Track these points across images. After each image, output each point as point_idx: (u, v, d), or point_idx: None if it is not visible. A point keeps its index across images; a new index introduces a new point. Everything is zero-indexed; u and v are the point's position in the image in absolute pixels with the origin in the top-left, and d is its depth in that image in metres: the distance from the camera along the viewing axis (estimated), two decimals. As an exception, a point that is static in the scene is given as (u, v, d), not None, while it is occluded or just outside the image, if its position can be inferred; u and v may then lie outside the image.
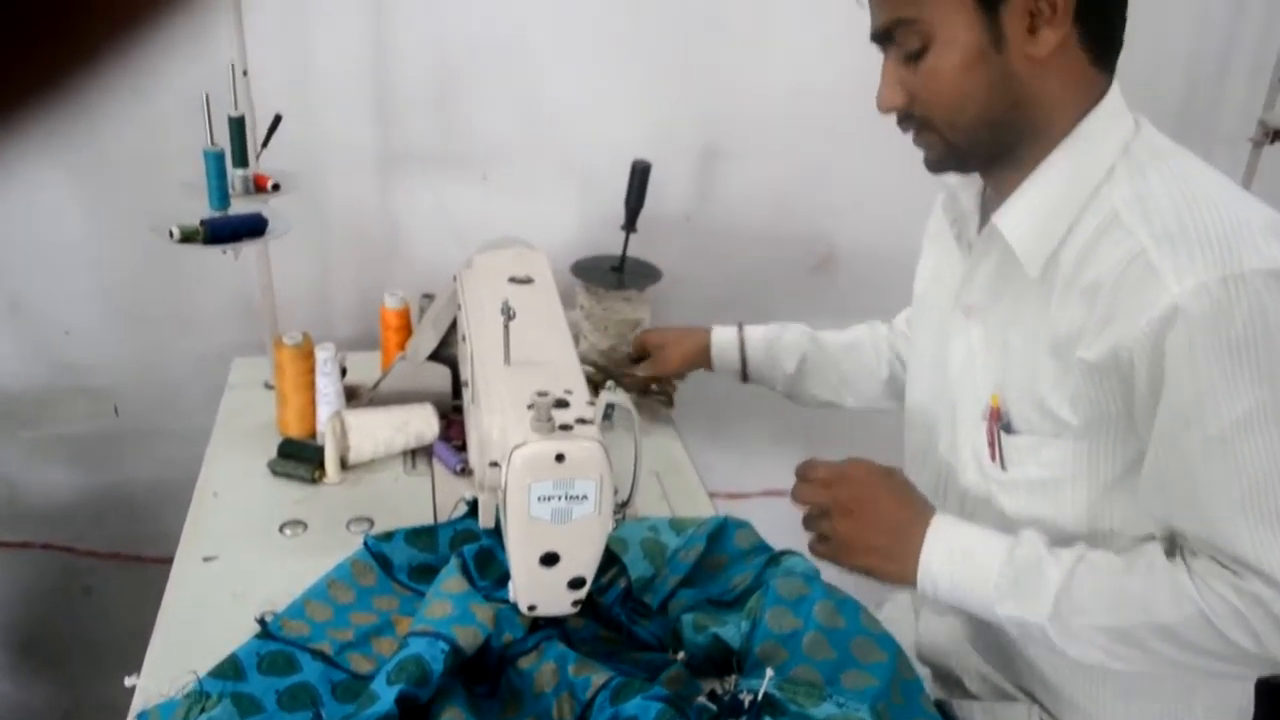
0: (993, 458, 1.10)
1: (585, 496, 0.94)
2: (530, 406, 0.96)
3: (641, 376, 1.53)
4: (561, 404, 0.98)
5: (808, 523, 1.11)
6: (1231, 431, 0.91)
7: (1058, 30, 0.96)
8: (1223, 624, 0.93)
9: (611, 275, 1.62)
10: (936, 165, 1.08)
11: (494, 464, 0.97)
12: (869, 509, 1.08)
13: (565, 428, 0.95)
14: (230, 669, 1.00)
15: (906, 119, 1.06)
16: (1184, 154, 1.03)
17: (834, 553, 1.09)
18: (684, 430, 1.59)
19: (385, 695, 0.92)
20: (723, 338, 1.53)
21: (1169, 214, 0.94)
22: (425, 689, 0.94)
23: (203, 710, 0.86)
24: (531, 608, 0.99)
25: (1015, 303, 1.08)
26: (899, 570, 1.06)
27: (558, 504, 0.94)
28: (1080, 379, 0.99)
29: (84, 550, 1.87)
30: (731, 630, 1.07)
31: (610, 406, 1.00)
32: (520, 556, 0.96)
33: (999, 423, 1.09)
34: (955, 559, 1.03)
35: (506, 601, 1.04)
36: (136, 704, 0.98)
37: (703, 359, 1.53)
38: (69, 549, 1.87)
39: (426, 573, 1.18)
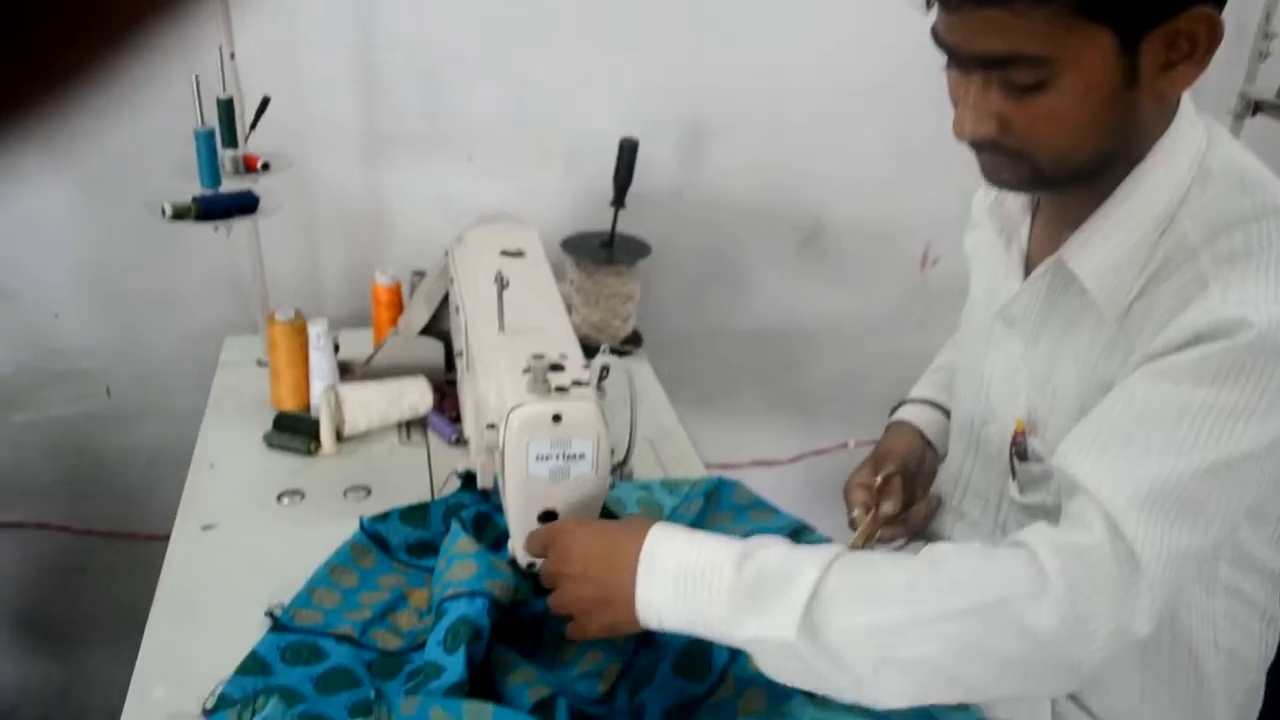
0: (1013, 476, 1.08)
1: (582, 455, 0.96)
2: (526, 370, 0.98)
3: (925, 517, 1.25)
4: (557, 367, 1.00)
5: (556, 610, 0.95)
6: (1164, 385, 0.84)
7: (1198, 67, 0.86)
8: (1020, 588, 0.80)
9: (601, 251, 1.63)
10: (1012, 186, 0.99)
11: (491, 426, 0.99)
12: (572, 560, 0.92)
13: (561, 390, 0.97)
14: (255, 666, 1.00)
15: (991, 147, 0.93)
16: (1250, 160, 0.95)
17: (580, 629, 0.93)
18: (673, 401, 1.60)
19: (452, 663, 0.93)
20: (932, 424, 1.30)
21: (1237, 238, 0.87)
22: (479, 645, 0.95)
23: (254, 713, 0.87)
24: (531, 565, 1.01)
25: (1068, 327, 1.00)
26: (630, 617, 0.88)
27: (555, 463, 0.96)
28: None
29: (79, 529, 1.88)
30: None
31: (605, 369, 1.02)
32: (519, 515, 0.97)
33: (1014, 448, 1.06)
34: (677, 579, 0.86)
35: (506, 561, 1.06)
36: (161, 711, 0.96)
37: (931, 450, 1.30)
38: (64, 528, 1.87)
39: (424, 549, 1.19)
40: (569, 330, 1.10)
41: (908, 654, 0.80)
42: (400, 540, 1.18)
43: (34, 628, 1.98)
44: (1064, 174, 0.93)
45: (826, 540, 1.08)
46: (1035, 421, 1.04)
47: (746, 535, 1.06)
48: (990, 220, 1.12)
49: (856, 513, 1.18)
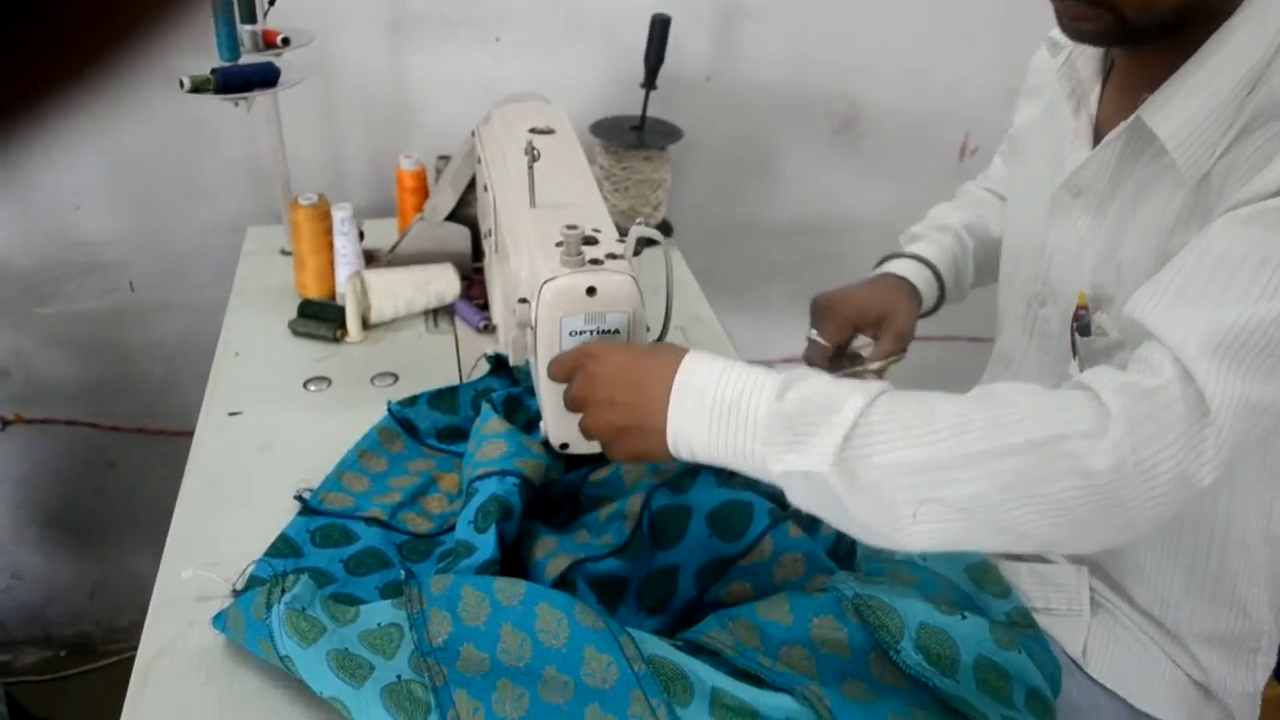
0: (1074, 354, 1.03)
1: (617, 331, 0.92)
2: (559, 243, 0.94)
3: (884, 361, 1.17)
4: (590, 240, 0.96)
5: (585, 435, 0.90)
6: (1246, 232, 0.79)
7: None
8: (1080, 426, 0.74)
9: (632, 134, 1.58)
10: (1092, 38, 0.93)
11: (523, 300, 0.95)
12: (603, 383, 0.86)
13: (595, 262, 0.93)
14: (285, 548, 0.99)
15: None
16: None
17: (610, 454, 0.88)
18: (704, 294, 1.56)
19: (482, 543, 0.91)
20: (920, 279, 1.24)
21: None
22: (510, 524, 0.94)
23: (284, 592, 0.85)
24: (564, 445, 0.98)
25: (1141, 195, 0.95)
26: (661, 443, 0.83)
27: (589, 339, 0.92)
28: None
29: (107, 425, 1.87)
30: None
31: (641, 242, 0.97)
32: (551, 393, 0.94)
33: (1076, 324, 1.02)
34: (712, 407, 0.80)
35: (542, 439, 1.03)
36: (190, 592, 0.95)
37: (916, 309, 1.23)
38: (92, 424, 1.86)
39: (454, 435, 1.17)
40: (602, 206, 1.05)
41: (952, 493, 0.74)
42: (429, 425, 1.16)
43: (65, 525, 1.98)
44: (1149, 24, 0.87)
45: None
46: (1101, 297, 0.99)
47: None
48: (1060, 83, 1.05)
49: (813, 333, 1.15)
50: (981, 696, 0.83)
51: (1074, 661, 1.05)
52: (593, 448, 0.99)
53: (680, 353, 0.84)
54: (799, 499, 0.79)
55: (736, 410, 0.79)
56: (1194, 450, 0.74)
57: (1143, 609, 1.05)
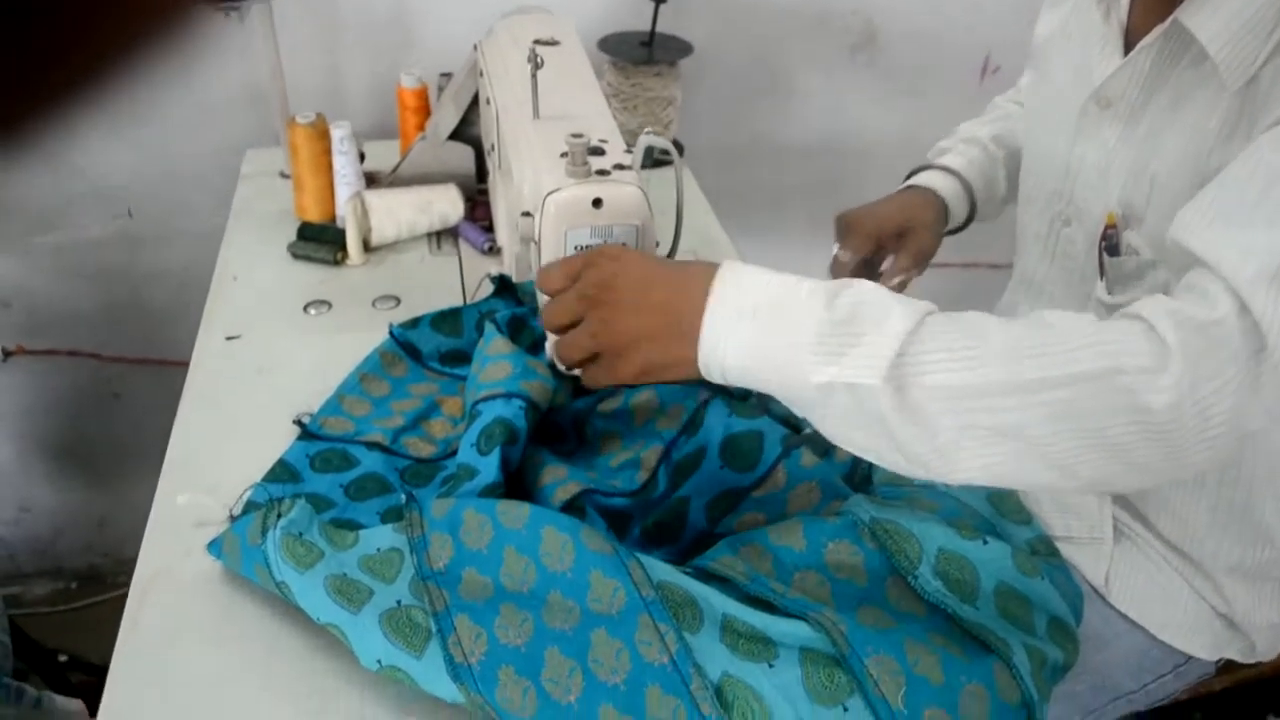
0: (1101, 276, 0.98)
1: (625, 245, 0.88)
2: (563, 154, 0.89)
3: (900, 277, 1.15)
4: (596, 151, 0.91)
5: (568, 352, 0.81)
6: None
7: None
8: (1138, 360, 0.69)
9: (641, 50, 1.52)
10: None
11: (526, 214, 0.91)
12: (623, 285, 0.78)
13: (602, 173, 0.88)
14: (284, 473, 0.96)
15: None
16: None
17: (607, 370, 0.79)
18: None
19: (485, 465, 0.88)
20: (948, 190, 1.20)
21: None
22: (515, 448, 0.90)
23: (279, 517, 0.82)
24: (570, 368, 0.94)
25: (1177, 105, 0.89)
26: (688, 352, 0.75)
27: (596, 253, 0.88)
28: None
29: (110, 356, 1.84)
30: None
31: (651, 152, 0.93)
32: (558, 311, 0.90)
33: (1104, 243, 0.97)
34: (756, 310, 0.73)
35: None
36: (187, 518, 0.93)
37: (941, 224, 1.20)
38: (95, 355, 1.84)
39: (457, 358, 1.13)
40: (609, 116, 1.01)
41: (1001, 421, 0.69)
42: (432, 348, 1.12)
43: (72, 457, 1.97)
44: None
45: None
46: (1131, 215, 0.94)
47: None
48: None
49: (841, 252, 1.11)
50: (1002, 624, 0.79)
51: (1095, 590, 1.02)
52: None
53: (713, 265, 0.76)
54: (835, 418, 0.73)
55: (782, 312, 0.72)
56: (1251, 389, 0.69)
57: (1166, 539, 1.01)
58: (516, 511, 0.79)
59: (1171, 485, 0.99)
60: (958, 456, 0.70)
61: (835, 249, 1.15)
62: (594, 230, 0.87)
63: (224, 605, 0.84)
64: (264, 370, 1.10)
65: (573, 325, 0.80)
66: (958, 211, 1.20)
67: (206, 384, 1.09)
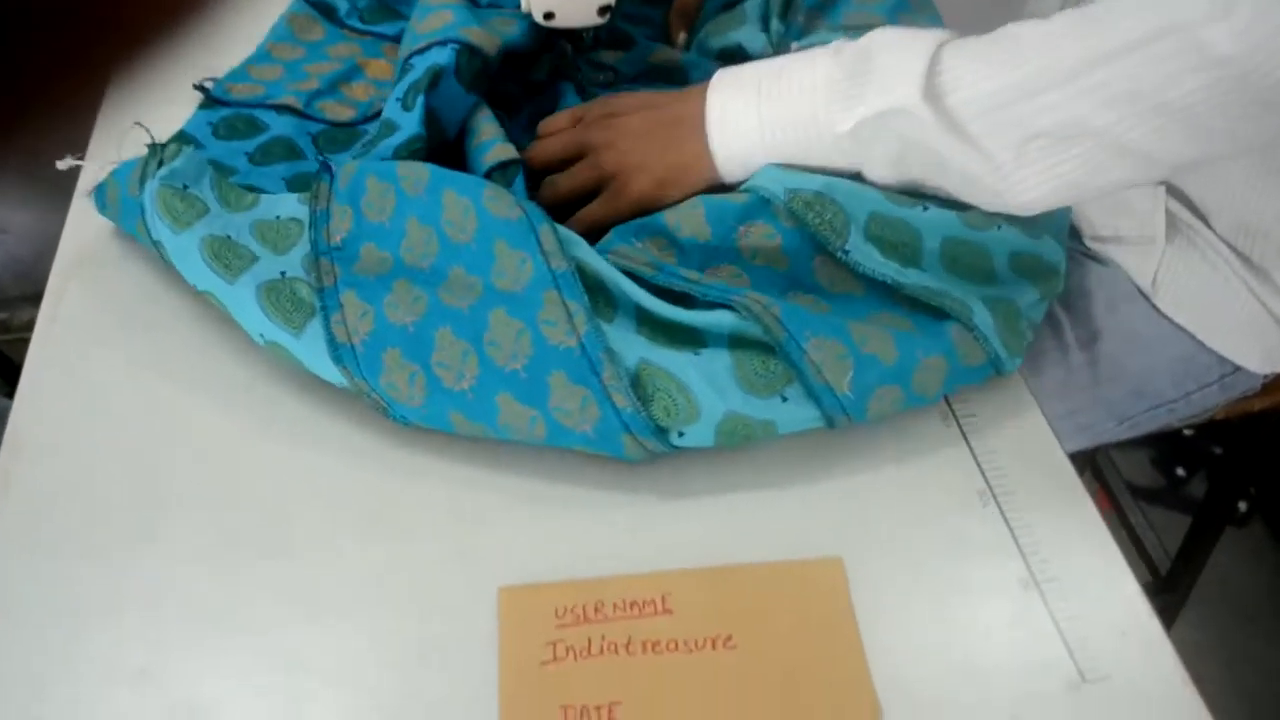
0: None
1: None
2: None
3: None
4: None
5: (569, 180, 0.79)
6: None
7: None
8: (1198, 10, 0.57)
9: None
10: None
11: None
12: (627, 108, 0.78)
13: None
14: (183, 142, 0.86)
15: None
16: None
17: (613, 201, 0.76)
18: None
19: (407, 120, 0.77)
20: None
21: None
22: (444, 97, 0.79)
23: (160, 164, 0.72)
24: (549, 16, 0.83)
25: None
26: (698, 145, 0.73)
27: None
28: None
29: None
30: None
31: None
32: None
33: None
34: (759, 82, 0.71)
35: (517, 12, 0.88)
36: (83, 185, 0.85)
37: None
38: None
39: (382, 11, 1.01)
40: None
41: (1057, 120, 0.61)
42: (349, 5, 1.01)
43: (46, 177, 1.89)
44: None
45: None
46: None
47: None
48: None
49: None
50: (953, 280, 0.68)
51: (1141, 291, 0.95)
52: (584, 19, 0.84)
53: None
54: (877, 161, 0.68)
55: (789, 75, 0.69)
56: None
57: (1224, 236, 0.92)
58: (417, 174, 0.70)
59: (1237, 173, 0.89)
60: (1019, 174, 0.64)
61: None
62: None
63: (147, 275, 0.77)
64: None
65: (566, 163, 0.79)
66: None
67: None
